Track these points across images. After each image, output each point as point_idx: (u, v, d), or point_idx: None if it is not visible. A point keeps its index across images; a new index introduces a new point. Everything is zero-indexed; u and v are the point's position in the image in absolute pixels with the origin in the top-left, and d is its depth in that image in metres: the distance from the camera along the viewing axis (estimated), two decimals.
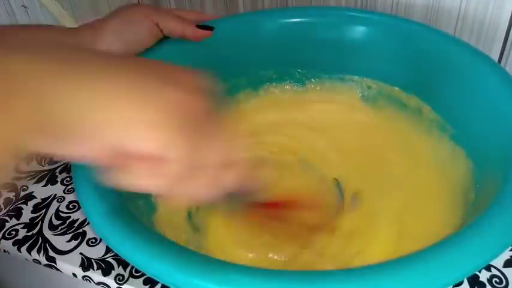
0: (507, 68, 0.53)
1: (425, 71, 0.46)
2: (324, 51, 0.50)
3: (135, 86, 0.21)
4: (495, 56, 0.53)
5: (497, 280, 0.34)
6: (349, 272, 0.28)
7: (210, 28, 0.47)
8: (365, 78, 0.50)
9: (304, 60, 0.51)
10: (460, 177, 0.41)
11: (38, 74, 0.20)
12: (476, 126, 0.40)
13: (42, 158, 0.48)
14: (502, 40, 0.52)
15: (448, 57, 0.44)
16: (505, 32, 0.51)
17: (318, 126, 0.51)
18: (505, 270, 0.34)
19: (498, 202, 0.31)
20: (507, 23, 0.51)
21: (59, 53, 0.22)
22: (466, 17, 0.52)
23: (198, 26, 0.46)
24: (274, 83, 0.52)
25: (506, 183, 0.32)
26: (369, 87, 0.50)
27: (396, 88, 0.48)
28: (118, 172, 0.22)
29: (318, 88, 0.52)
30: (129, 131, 0.21)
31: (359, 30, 0.49)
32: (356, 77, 0.50)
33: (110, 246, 0.32)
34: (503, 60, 0.54)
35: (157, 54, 0.45)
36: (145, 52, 0.45)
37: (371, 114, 0.50)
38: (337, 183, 0.44)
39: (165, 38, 0.46)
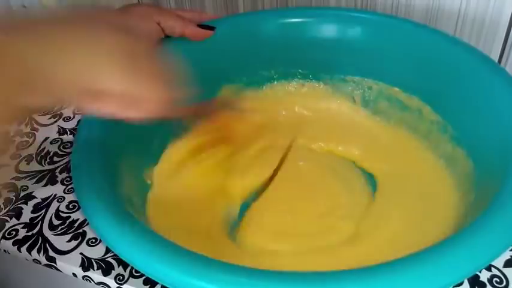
0: (507, 68, 0.53)
1: (426, 72, 0.46)
2: (325, 51, 0.50)
3: (88, 32, 0.28)
4: (495, 57, 0.53)
5: (498, 280, 0.34)
6: (348, 272, 0.28)
7: (212, 28, 0.47)
8: (365, 79, 0.50)
9: (305, 61, 0.51)
10: (460, 178, 0.41)
11: (19, 43, 0.25)
12: (477, 126, 0.40)
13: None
14: (502, 40, 0.52)
15: (448, 57, 0.44)
16: (505, 32, 0.52)
17: (319, 126, 0.51)
18: (505, 270, 0.34)
19: (498, 202, 0.31)
20: (507, 24, 0.51)
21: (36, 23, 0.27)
22: (466, 17, 0.52)
23: (200, 26, 0.46)
24: (275, 83, 0.52)
25: (506, 183, 0.32)
26: (369, 88, 0.50)
27: (396, 88, 0.48)
28: (89, 103, 0.29)
29: (319, 88, 0.52)
30: (90, 74, 0.27)
31: (359, 31, 0.49)
32: (356, 78, 0.50)
33: (110, 247, 0.32)
34: (503, 61, 0.54)
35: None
36: None
37: (371, 115, 0.50)
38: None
39: (166, 38, 0.46)
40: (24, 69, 0.25)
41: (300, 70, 0.52)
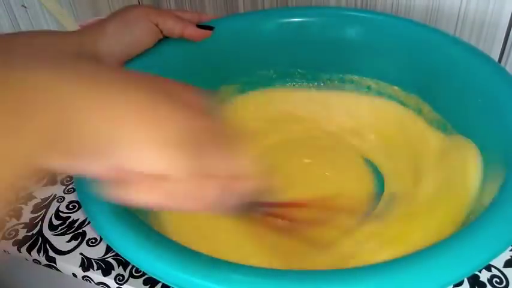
0: (507, 68, 0.53)
1: (425, 70, 0.46)
2: (324, 51, 0.50)
3: (146, 106, 0.22)
4: (495, 57, 0.53)
5: (498, 280, 0.34)
6: (349, 271, 0.28)
7: (210, 28, 0.47)
8: (364, 78, 0.50)
9: (304, 60, 0.51)
10: (460, 178, 0.41)
11: (57, 87, 0.20)
12: (477, 124, 0.40)
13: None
14: (502, 40, 0.52)
15: (447, 56, 0.44)
16: (505, 32, 0.51)
17: (320, 125, 0.51)
18: (505, 270, 0.34)
19: (499, 200, 0.31)
20: (507, 24, 0.51)
21: (74, 64, 0.22)
22: (466, 17, 0.52)
23: (198, 26, 0.46)
24: (274, 83, 0.52)
25: (507, 181, 0.32)
26: (369, 87, 0.50)
27: (396, 87, 0.48)
28: (120, 187, 0.23)
29: (318, 88, 0.52)
30: (138, 152, 0.21)
31: (359, 30, 0.49)
32: (355, 77, 0.50)
33: (111, 246, 0.32)
34: (503, 60, 0.54)
35: (157, 55, 0.45)
36: (146, 53, 0.45)
37: (371, 114, 0.50)
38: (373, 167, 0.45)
39: (165, 39, 0.46)
40: (61, 119, 0.20)
41: (299, 70, 0.52)
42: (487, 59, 0.42)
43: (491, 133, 0.38)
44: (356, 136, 0.50)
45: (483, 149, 0.39)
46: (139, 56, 0.44)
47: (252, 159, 0.25)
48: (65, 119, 0.20)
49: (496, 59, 0.54)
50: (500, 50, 0.53)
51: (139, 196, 0.23)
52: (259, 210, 0.32)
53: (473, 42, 0.53)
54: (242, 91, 0.52)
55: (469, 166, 0.40)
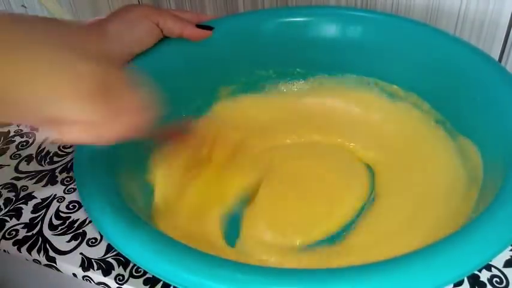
0: (507, 68, 0.53)
1: (424, 69, 0.46)
2: (322, 50, 0.50)
3: (66, 64, 0.26)
4: (495, 56, 0.53)
5: (498, 280, 0.34)
6: (349, 270, 0.28)
7: (210, 28, 0.47)
8: (364, 77, 0.50)
9: (302, 60, 0.51)
10: (461, 175, 0.41)
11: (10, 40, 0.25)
12: (477, 123, 0.40)
13: (42, 158, 0.48)
14: (502, 40, 0.52)
15: (447, 55, 0.44)
16: (505, 32, 0.51)
17: (321, 124, 0.51)
18: (505, 270, 0.34)
19: (499, 199, 0.31)
20: (507, 23, 0.51)
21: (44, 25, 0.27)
22: (466, 17, 0.52)
23: (198, 26, 0.46)
24: (273, 83, 0.52)
25: (507, 180, 0.32)
26: (368, 86, 0.50)
27: (395, 86, 0.48)
28: (56, 131, 0.28)
29: (318, 87, 0.52)
30: (65, 104, 0.26)
31: (358, 30, 0.49)
32: (354, 76, 0.50)
33: (113, 245, 0.32)
34: (503, 60, 0.54)
35: (157, 54, 0.45)
36: (146, 52, 0.45)
37: (371, 112, 0.50)
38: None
39: (165, 38, 0.46)
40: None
41: (298, 69, 0.52)
42: (487, 57, 0.42)
43: (490, 132, 0.38)
44: (355, 135, 0.50)
45: (483, 148, 0.39)
46: (140, 55, 0.44)
47: (146, 95, 0.31)
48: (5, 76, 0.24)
49: (496, 59, 0.54)
50: (500, 49, 0.53)
51: (73, 136, 0.28)
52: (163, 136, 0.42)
53: (473, 42, 0.53)
54: (241, 91, 0.52)
55: (468, 164, 0.40)
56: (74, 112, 0.27)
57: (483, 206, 0.31)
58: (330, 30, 0.50)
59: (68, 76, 0.26)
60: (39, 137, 0.51)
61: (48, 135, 0.31)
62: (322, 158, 0.48)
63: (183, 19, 0.46)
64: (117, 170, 0.38)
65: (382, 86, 0.49)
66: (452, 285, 0.33)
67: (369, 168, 0.47)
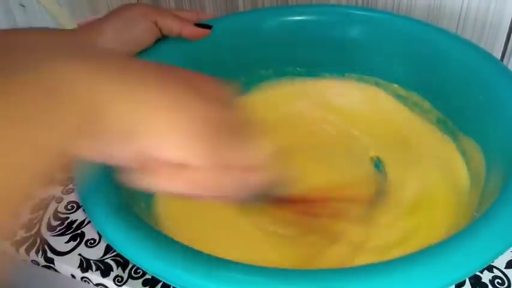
0: (509, 66, 0.53)
1: (425, 68, 0.45)
2: (322, 49, 0.50)
3: (167, 96, 0.23)
4: (497, 54, 0.53)
5: (499, 281, 0.33)
6: (350, 271, 0.28)
7: (209, 27, 0.46)
8: (364, 76, 0.50)
9: (302, 59, 0.51)
10: (462, 176, 0.41)
11: (84, 78, 0.21)
12: (478, 122, 0.40)
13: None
14: (504, 39, 0.52)
15: (447, 53, 0.44)
16: (507, 30, 0.51)
17: (318, 122, 0.51)
18: (507, 271, 0.34)
19: (502, 199, 0.30)
20: (509, 22, 0.51)
21: (97, 55, 0.23)
22: (467, 15, 0.52)
23: (197, 25, 0.46)
24: (273, 82, 0.52)
25: (509, 181, 0.31)
26: (369, 85, 0.50)
27: (396, 85, 0.48)
28: (143, 174, 0.24)
29: (318, 85, 0.52)
30: (160, 141, 0.22)
31: (358, 28, 0.49)
32: (354, 75, 0.50)
33: (112, 246, 0.31)
34: (505, 59, 0.53)
35: (156, 54, 0.45)
36: (145, 51, 0.44)
37: (371, 112, 0.50)
38: (376, 163, 0.45)
39: (164, 37, 0.46)
40: (89, 108, 0.21)
41: (298, 68, 0.52)
42: (488, 56, 0.41)
43: (492, 131, 0.38)
44: (357, 133, 0.50)
45: (484, 147, 0.38)
46: (138, 54, 0.44)
47: (267, 150, 0.26)
48: (93, 108, 0.21)
49: (499, 56, 0.53)
50: (502, 48, 0.53)
51: (160, 183, 0.24)
52: (270, 203, 0.32)
53: (475, 41, 0.53)
54: (241, 90, 0.52)
55: (470, 164, 0.40)
56: (169, 150, 0.23)
57: (486, 206, 0.31)
58: (328, 28, 0.49)
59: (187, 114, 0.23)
60: None
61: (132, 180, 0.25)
62: (328, 157, 0.47)
63: (183, 18, 0.45)
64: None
65: (383, 85, 0.49)
66: (454, 287, 0.33)
67: (376, 164, 0.46)
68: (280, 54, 0.51)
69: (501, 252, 0.28)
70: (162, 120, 0.22)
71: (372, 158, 0.47)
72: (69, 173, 0.44)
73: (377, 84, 0.49)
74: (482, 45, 0.52)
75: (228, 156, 0.24)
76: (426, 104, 0.46)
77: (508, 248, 0.28)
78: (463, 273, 0.27)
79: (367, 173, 0.46)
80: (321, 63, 0.51)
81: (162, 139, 0.22)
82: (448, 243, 0.28)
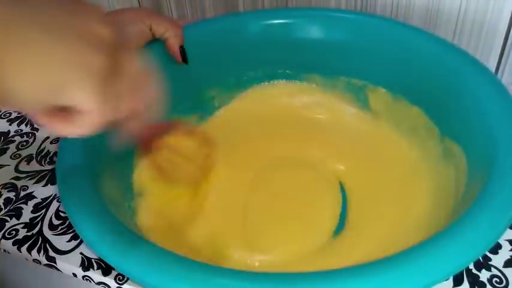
0: (506, 70, 0.54)
1: (413, 73, 0.46)
2: (310, 52, 0.51)
3: (72, 50, 0.24)
4: (495, 57, 0.54)
5: (498, 280, 0.34)
6: (334, 272, 0.28)
7: (185, 60, 0.47)
8: (352, 79, 0.50)
9: (291, 61, 0.52)
10: (448, 179, 0.41)
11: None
12: (462, 127, 0.40)
13: (42, 158, 0.48)
14: (501, 43, 0.52)
15: (437, 61, 0.44)
16: (504, 34, 0.52)
17: (308, 128, 0.51)
18: (505, 270, 0.34)
19: (479, 202, 0.31)
20: (506, 26, 0.51)
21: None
22: (465, 19, 0.53)
23: (182, 49, 0.47)
24: (262, 84, 0.53)
25: (489, 183, 0.32)
26: (358, 88, 0.50)
27: (383, 89, 0.49)
28: (48, 126, 0.26)
29: (307, 89, 0.52)
30: (68, 93, 0.24)
31: (345, 31, 0.49)
32: (342, 77, 0.51)
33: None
34: (502, 63, 0.54)
35: (143, 51, 0.46)
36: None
37: (360, 116, 0.51)
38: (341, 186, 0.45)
39: (156, 40, 0.47)
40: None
41: (287, 71, 0.52)
42: (474, 61, 0.42)
43: (475, 136, 0.38)
44: (335, 142, 0.50)
45: (467, 151, 0.39)
46: None
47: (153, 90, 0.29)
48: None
49: (496, 60, 0.54)
50: (499, 52, 0.53)
51: (57, 127, 0.26)
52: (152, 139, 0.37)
53: (472, 43, 0.54)
54: (231, 92, 0.52)
55: (455, 168, 0.40)
56: (76, 100, 0.24)
57: (465, 208, 0.31)
58: (316, 31, 0.50)
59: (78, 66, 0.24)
60: (39, 137, 0.51)
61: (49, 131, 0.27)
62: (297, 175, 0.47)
63: (177, 27, 0.46)
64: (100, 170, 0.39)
65: (370, 89, 0.49)
66: (452, 285, 0.33)
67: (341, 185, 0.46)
68: (268, 57, 0.51)
69: (479, 254, 0.28)
70: (68, 72, 0.24)
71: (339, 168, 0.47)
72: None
73: (364, 88, 0.50)
74: (480, 47, 0.53)
75: (118, 102, 0.27)
76: (414, 109, 0.46)
77: (483, 251, 0.29)
78: (443, 274, 0.28)
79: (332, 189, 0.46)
80: (309, 66, 0.51)
81: (70, 92, 0.24)
82: (429, 244, 0.29)
